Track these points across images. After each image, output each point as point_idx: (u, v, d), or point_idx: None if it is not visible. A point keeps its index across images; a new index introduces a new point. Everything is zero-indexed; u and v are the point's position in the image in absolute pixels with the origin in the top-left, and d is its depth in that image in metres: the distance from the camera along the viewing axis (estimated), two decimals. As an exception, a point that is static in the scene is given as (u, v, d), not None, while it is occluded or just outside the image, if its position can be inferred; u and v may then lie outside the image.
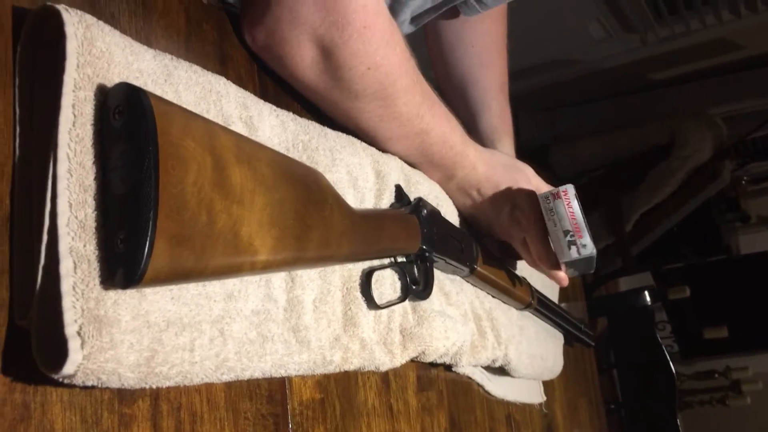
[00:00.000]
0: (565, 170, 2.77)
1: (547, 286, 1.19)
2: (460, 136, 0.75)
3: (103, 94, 0.38)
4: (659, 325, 3.58)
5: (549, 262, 0.78)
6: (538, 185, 0.82)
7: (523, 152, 0.95)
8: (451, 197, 0.82)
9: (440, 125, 0.71)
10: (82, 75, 0.37)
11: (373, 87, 0.60)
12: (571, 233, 0.74)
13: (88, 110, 0.37)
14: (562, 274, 0.80)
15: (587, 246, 0.74)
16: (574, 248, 0.74)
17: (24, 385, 0.35)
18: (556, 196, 0.74)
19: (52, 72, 0.37)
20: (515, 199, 0.79)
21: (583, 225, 0.74)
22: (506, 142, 0.94)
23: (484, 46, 0.98)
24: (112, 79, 0.39)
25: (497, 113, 0.95)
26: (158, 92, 0.43)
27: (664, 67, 3.08)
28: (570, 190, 0.74)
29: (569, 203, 0.74)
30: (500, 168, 0.81)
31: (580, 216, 0.74)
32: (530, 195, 0.78)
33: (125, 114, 0.37)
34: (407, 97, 0.64)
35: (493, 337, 0.84)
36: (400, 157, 0.72)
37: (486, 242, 0.87)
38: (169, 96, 0.44)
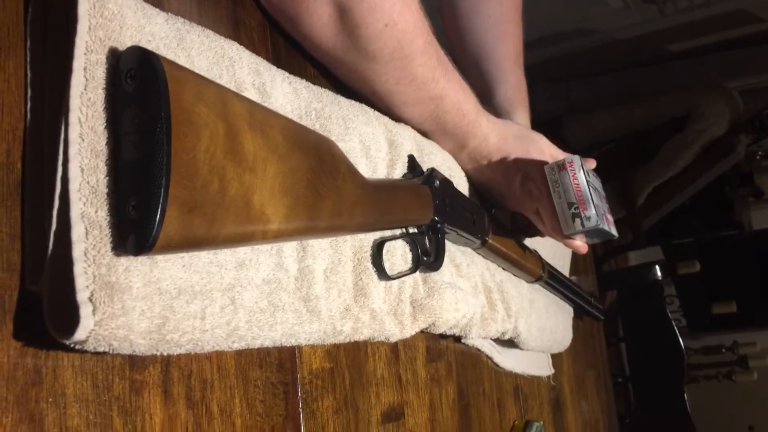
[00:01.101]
0: (579, 142, 2.74)
1: (559, 259, 1.18)
2: (474, 105, 0.74)
3: (115, 58, 0.38)
4: (668, 300, 3.58)
5: (562, 232, 0.77)
6: (554, 154, 0.81)
7: (537, 123, 0.94)
8: (463, 167, 0.81)
9: (455, 92, 0.70)
10: (94, 38, 0.37)
11: (390, 45, 0.59)
12: (575, 205, 0.73)
13: (100, 74, 0.37)
14: (578, 243, 0.79)
15: (591, 218, 0.73)
16: (578, 220, 0.73)
17: (36, 350, 0.35)
18: (561, 167, 0.73)
19: (64, 34, 0.36)
20: (527, 169, 0.79)
21: (588, 197, 0.73)
22: (522, 114, 0.92)
23: (499, 16, 0.96)
24: (124, 43, 0.39)
25: (513, 85, 0.94)
26: (170, 56, 0.42)
27: (682, 38, 3.03)
28: (576, 161, 0.73)
29: (574, 175, 0.73)
30: (512, 138, 0.80)
31: (586, 188, 0.73)
32: (542, 165, 0.78)
33: (137, 78, 0.36)
34: (423, 59, 0.63)
35: (503, 309, 0.84)
36: (414, 125, 0.71)
37: (498, 214, 0.87)
38: (182, 61, 0.43)
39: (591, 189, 0.73)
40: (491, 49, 0.95)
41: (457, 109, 0.71)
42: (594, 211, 0.73)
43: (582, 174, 0.73)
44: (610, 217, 0.80)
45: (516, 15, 0.99)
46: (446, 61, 0.68)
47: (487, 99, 0.93)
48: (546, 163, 0.76)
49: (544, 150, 0.80)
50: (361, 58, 0.60)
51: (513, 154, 0.79)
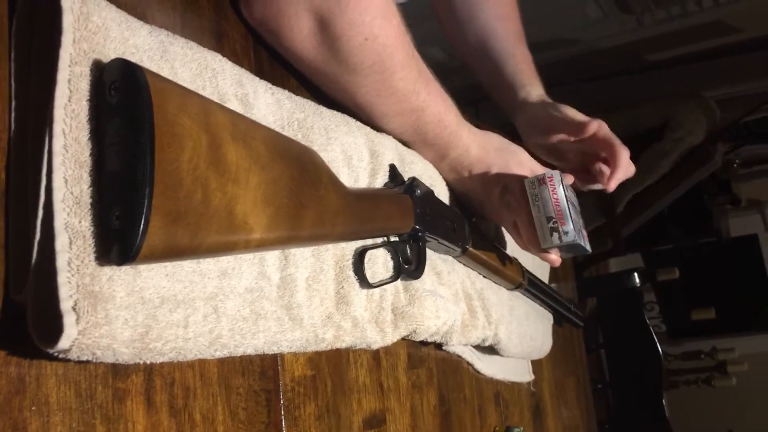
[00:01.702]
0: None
1: (538, 266, 1.20)
2: (455, 117, 0.75)
3: (99, 70, 0.38)
4: (647, 306, 3.61)
5: (539, 245, 0.78)
6: (533, 168, 0.82)
7: (515, 133, 0.94)
8: (444, 177, 0.82)
9: (436, 103, 0.71)
10: (78, 50, 0.37)
11: (370, 59, 0.60)
12: (554, 219, 0.74)
13: (84, 86, 0.37)
14: (553, 257, 0.81)
15: (569, 233, 0.73)
16: (555, 235, 0.74)
17: (19, 359, 0.35)
18: (541, 181, 0.74)
19: (48, 46, 0.37)
20: (506, 181, 0.80)
21: (567, 212, 0.74)
22: (536, 84, 0.94)
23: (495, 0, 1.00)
24: (108, 55, 0.39)
25: (522, 59, 0.96)
26: (154, 68, 0.43)
27: (660, 48, 3.08)
28: (556, 176, 0.74)
29: (554, 189, 0.74)
30: (493, 150, 0.81)
31: (564, 202, 0.74)
32: (521, 179, 0.79)
33: (121, 90, 0.37)
34: (404, 72, 0.64)
35: (484, 316, 0.85)
36: (395, 136, 0.72)
37: (479, 223, 0.88)
38: (165, 72, 0.44)
39: (569, 204, 0.74)
40: (494, 29, 0.98)
41: (438, 120, 0.72)
42: (572, 226, 0.74)
43: (561, 189, 0.74)
44: (584, 232, 0.81)
45: None
46: (427, 73, 0.69)
47: (498, 76, 0.95)
48: (525, 177, 0.77)
49: (524, 163, 0.81)
50: (341, 70, 0.61)
51: (493, 166, 0.80)
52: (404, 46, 0.63)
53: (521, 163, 0.81)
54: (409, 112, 0.69)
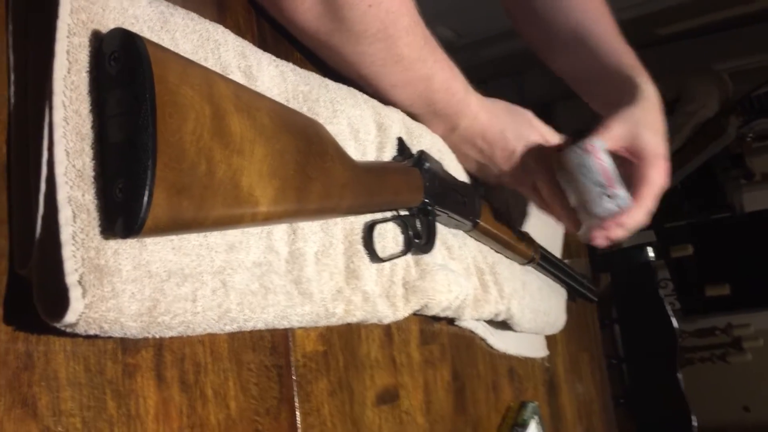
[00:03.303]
0: (571, 127, 2.75)
1: (550, 241, 1.19)
2: (463, 84, 0.74)
3: (98, 41, 0.37)
4: (661, 283, 3.60)
5: (561, 203, 0.77)
6: (543, 129, 0.81)
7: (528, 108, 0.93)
8: (455, 150, 0.81)
9: (443, 71, 0.70)
10: (76, 20, 0.37)
11: (375, 26, 0.59)
12: (603, 185, 0.72)
13: (83, 57, 0.37)
14: (575, 218, 0.79)
15: (621, 197, 0.72)
16: (607, 199, 0.72)
17: (27, 335, 0.35)
18: (584, 150, 0.72)
19: (46, 17, 0.36)
20: (521, 142, 0.79)
21: (617, 176, 0.72)
22: (645, 78, 0.88)
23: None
24: (107, 25, 0.38)
25: (625, 53, 0.91)
26: (154, 39, 0.42)
27: (672, 21, 3.04)
28: (598, 143, 0.72)
29: (599, 155, 0.72)
30: (502, 114, 0.80)
31: (614, 168, 0.72)
32: (536, 139, 0.78)
33: (121, 60, 0.36)
34: (409, 38, 0.63)
35: (496, 291, 0.84)
36: (404, 108, 0.71)
37: (490, 196, 0.87)
38: (166, 43, 0.43)
39: (615, 171, 0.73)
40: (587, 29, 0.92)
41: (447, 88, 0.71)
42: (624, 191, 0.72)
43: (606, 155, 0.72)
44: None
45: None
46: (433, 40, 0.68)
47: (603, 73, 0.90)
48: (540, 134, 0.76)
49: (534, 125, 0.81)
50: (345, 40, 0.60)
51: (505, 129, 0.79)
52: (408, 12, 0.62)
53: (531, 124, 0.80)
54: (417, 80, 0.68)
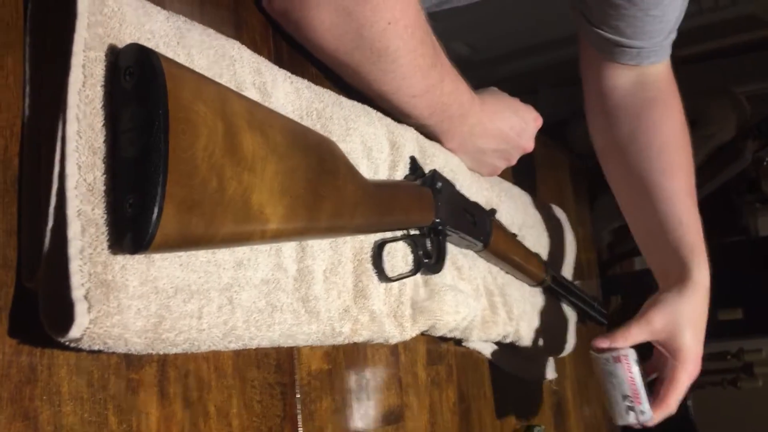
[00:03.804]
0: (584, 147, 2.73)
1: (561, 262, 1.18)
2: (463, 82, 0.73)
3: (114, 55, 0.37)
4: (673, 306, 3.55)
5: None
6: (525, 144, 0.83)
7: (543, 127, 0.92)
8: (477, 153, 0.80)
9: (448, 73, 0.69)
10: (93, 35, 0.37)
11: (395, 43, 0.59)
12: (629, 398, 0.75)
13: (99, 71, 0.37)
14: None
15: (645, 413, 0.75)
16: (632, 414, 0.76)
17: (31, 348, 0.35)
18: (616, 359, 0.75)
19: (63, 31, 0.36)
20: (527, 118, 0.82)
21: (643, 391, 0.75)
22: (702, 264, 0.84)
23: (663, 143, 0.90)
24: (123, 40, 0.39)
25: (688, 226, 0.86)
26: (170, 55, 0.42)
27: (689, 43, 3.02)
28: (631, 354, 0.75)
29: (629, 367, 0.75)
30: (494, 100, 0.80)
31: (641, 381, 0.75)
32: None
33: (136, 75, 0.36)
34: (424, 48, 0.63)
35: (505, 312, 0.83)
36: (422, 119, 0.70)
37: (501, 217, 0.86)
38: (182, 59, 0.43)
39: (643, 382, 0.75)
40: (658, 183, 0.87)
41: (455, 88, 0.71)
42: (648, 405, 0.75)
43: (637, 368, 0.75)
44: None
45: (683, 138, 0.92)
46: (436, 43, 0.68)
47: (660, 242, 0.87)
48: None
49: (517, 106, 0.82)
50: (365, 58, 0.60)
51: (506, 109, 0.80)
52: (421, 24, 0.63)
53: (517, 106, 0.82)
54: (433, 86, 0.67)
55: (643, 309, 0.82)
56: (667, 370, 0.81)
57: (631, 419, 0.75)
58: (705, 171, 2.76)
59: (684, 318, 0.80)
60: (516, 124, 0.80)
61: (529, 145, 0.83)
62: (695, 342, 0.80)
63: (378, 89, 0.65)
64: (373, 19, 0.57)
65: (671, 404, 0.80)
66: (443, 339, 0.77)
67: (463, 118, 0.75)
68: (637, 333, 0.81)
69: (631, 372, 0.74)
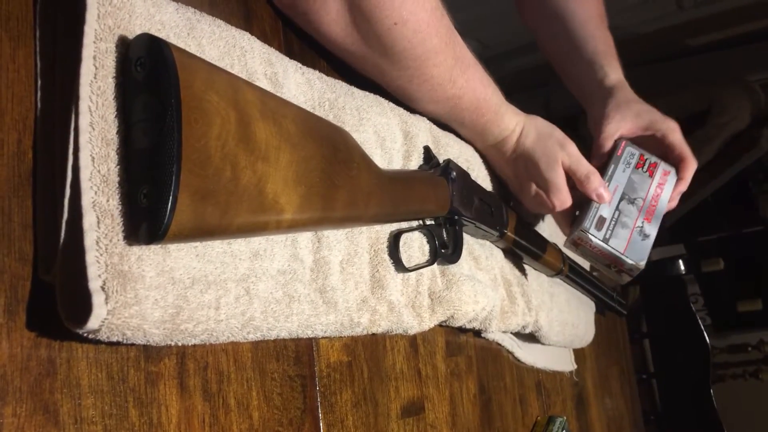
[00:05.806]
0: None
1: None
2: (496, 102, 0.72)
3: (124, 46, 0.37)
4: (692, 298, 3.53)
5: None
6: (570, 150, 0.78)
7: (555, 121, 0.91)
8: (482, 155, 0.80)
9: (473, 90, 0.68)
10: (103, 26, 0.37)
11: (400, 44, 0.58)
12: (612, 265, 0.81)
13: (110, 62, 0.36)
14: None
15: (633, 269, 0.80)
16: (624, 275, 0.81)
17: (49, 341, 0.35)
18: (575, 244, 0.81)
19: (73, 23, 0.36)
20: (538, 180, 0.78)
21: (615, 253, 0.79)
22: (614, 64, 0.94)
23: None
24: (133, 31, 0.38)
25: (600, 39, 0.95)
26: (181, 46, 0.42)
27: (702, 32, 2.99)
28: (583, 236, 0.79)
29: (591, 245, 0.79)
30: (533, 132, 0.78)
31: (609, 248, 0.79)
32: (563, 160, 0.76)
33: (147, 66, 0.36)
34: (438, 59, 0.62)
35: (524, 302, 0.83)
36: (430, 118, 0.70)
37: (517, 206, 0.86)
38: (192, 50, 0.43)
39: (612, 249, 0.79)
40: (573, 12, 0.97)
41: (476, 108, 0.70)
42: (630, 260, 0.79)
43: (597, 240, 0.79)
44: (645, 222, 0.85)
45: None
46: (466, 57, 0.66)
47: (576, 57, 0.95)
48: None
49: (565, 145, 0.78)
50: (372, 53, 0.59)
51: (532, 158, 0.78)
52: (439, 32, 0.61)
53: (562, 146, 0.78)
54: (445, 100, 0.67)
55: (597, 135, 0.87)
56: (664, 142, 0.87)
57: (626, 278, 0.81)
58: (720, 160, 2.73)
59: (631, 103, 0.87)
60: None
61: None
62: (646, 109, 0.88)
63: (385, 85, 0.65)
64: (378, 16, 0.56)
65: (690, 157, 0.89)
66: (462, 330, 0.76)
67: (477, 135, 0.77)
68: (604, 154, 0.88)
69: (594, 247, 0.79)
